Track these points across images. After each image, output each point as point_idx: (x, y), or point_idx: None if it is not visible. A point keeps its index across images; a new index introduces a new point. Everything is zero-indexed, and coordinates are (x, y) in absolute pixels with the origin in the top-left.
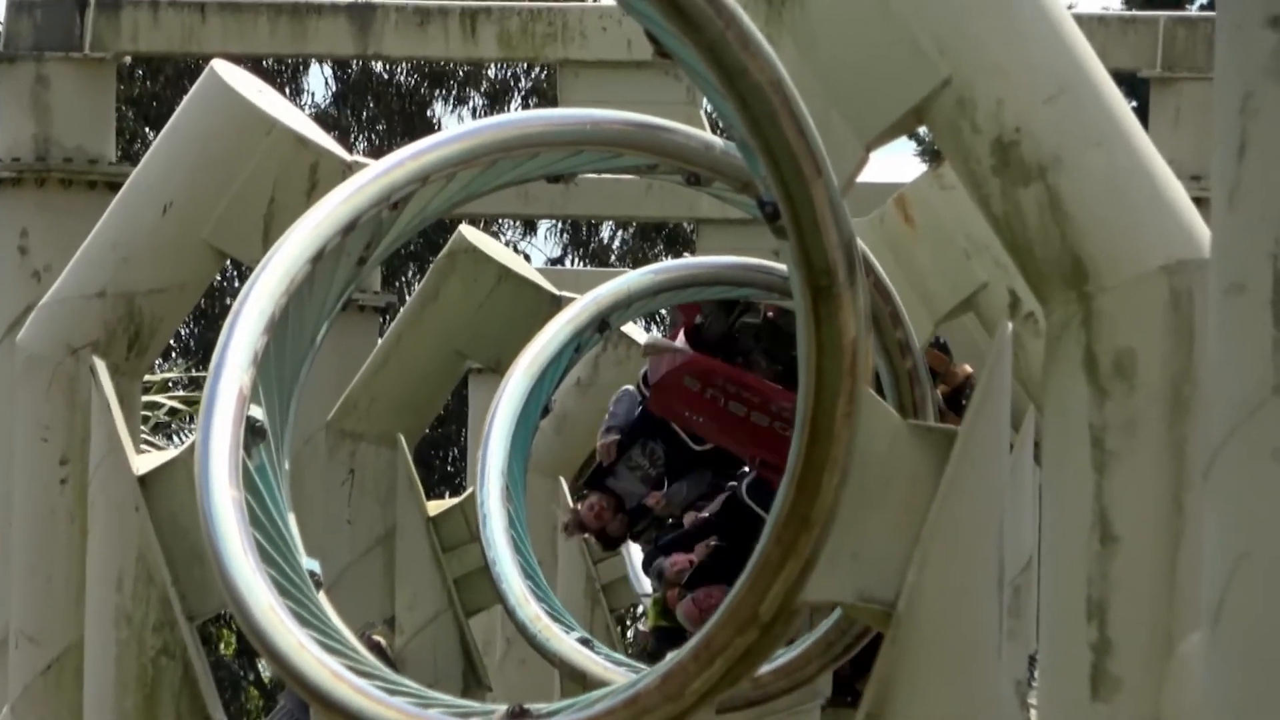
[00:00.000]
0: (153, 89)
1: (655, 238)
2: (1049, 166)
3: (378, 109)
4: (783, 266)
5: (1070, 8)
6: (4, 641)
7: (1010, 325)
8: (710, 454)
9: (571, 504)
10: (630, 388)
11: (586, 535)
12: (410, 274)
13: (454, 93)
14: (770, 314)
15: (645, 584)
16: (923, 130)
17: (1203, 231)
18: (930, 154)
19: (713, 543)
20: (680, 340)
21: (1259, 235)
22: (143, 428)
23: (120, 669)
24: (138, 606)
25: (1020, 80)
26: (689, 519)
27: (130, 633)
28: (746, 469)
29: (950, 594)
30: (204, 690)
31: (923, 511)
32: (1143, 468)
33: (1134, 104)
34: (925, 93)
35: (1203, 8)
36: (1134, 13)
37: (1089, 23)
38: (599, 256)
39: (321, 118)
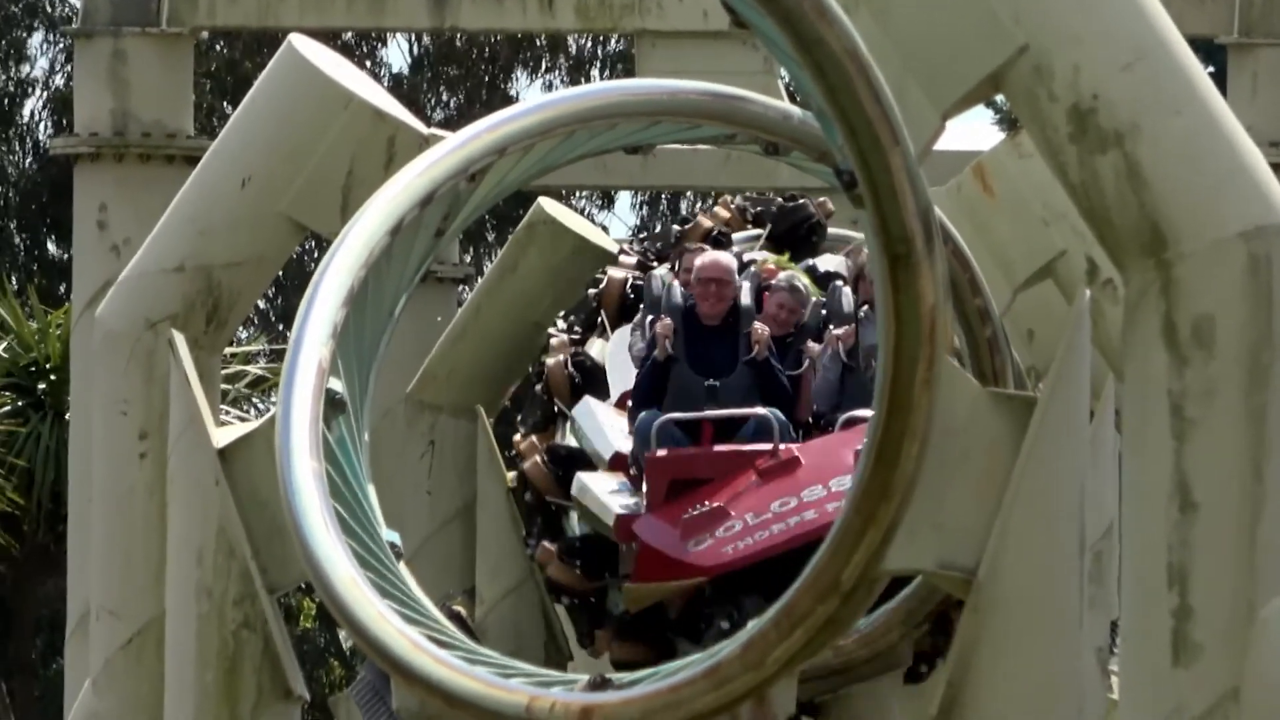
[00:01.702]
0: (230, 63)
1: None
2: (1126, 134)
3: (456, 81)
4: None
5: None
6: (85, 617)
7: (1089, 293)
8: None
9: (518, 444)
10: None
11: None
12: (489, 245)
13: (533, 65)
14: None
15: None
16: (1000, 98)
17: (1279, 196)
18: (1007, 122)
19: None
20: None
21: None
22: (221, 404)
23: (201, 643)
24: (218, 580)
25: (1097, 47)
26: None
27: (211, 606)
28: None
29: (1031, 561)
30: (285, 663)
31: (1003, 479)
32: (1222, 435)
33: (1211, 70)
34: (1001, 60)
35: None
36: None
37: None
38: None
39: (399, 90)
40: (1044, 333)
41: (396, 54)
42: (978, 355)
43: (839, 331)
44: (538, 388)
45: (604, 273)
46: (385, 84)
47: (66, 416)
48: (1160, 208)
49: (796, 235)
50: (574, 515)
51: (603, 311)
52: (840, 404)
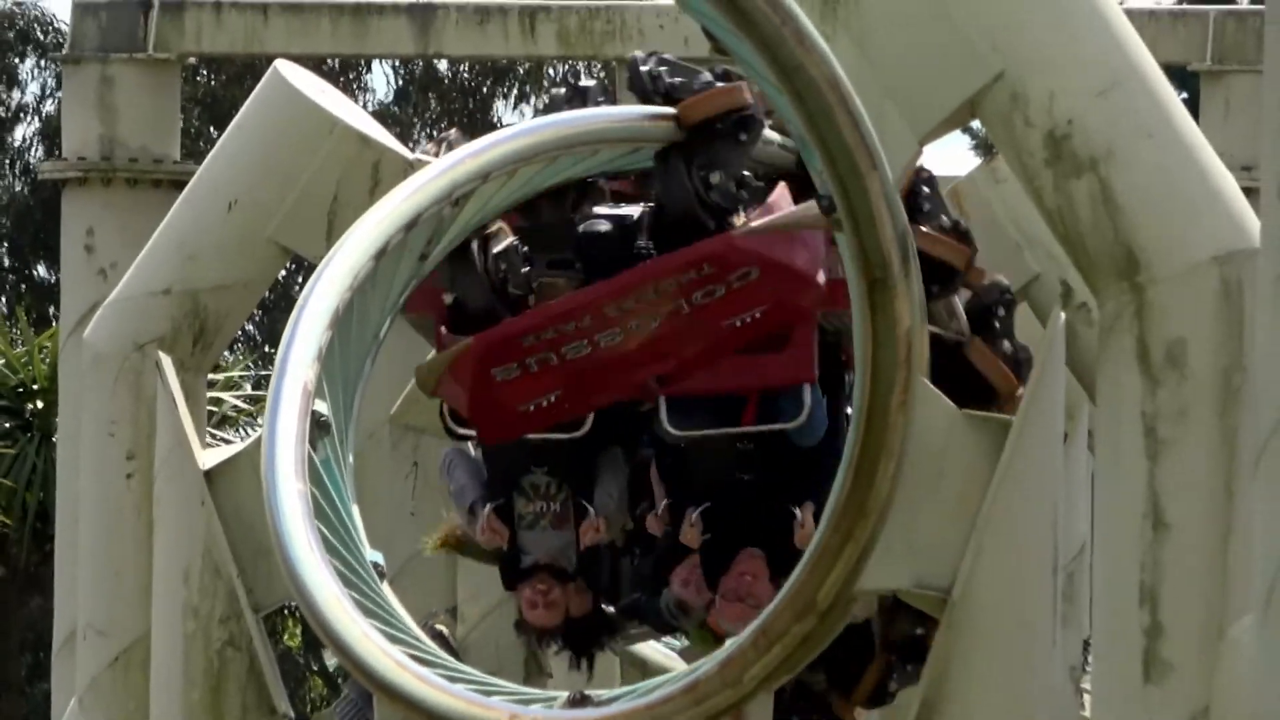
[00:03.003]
0: (216, 89)
1: None
2: (1101, 159)
3: (440, 107)
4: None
5: (1120, 2)
6: (71, 636)
7: (1063, 315)
8: (597, 428)
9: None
10: (449, 449)
11: (549, 642)
12: None
13: (517, 92)
14: (652, 204)
15: None
16: (976, 124)
17: (1253, 222)
18: (984, 147)
19: (695, 522)
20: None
21: None
22: (208, 426)
23: (187, 661)
24: (204, 599)
25: (1072, 74)
26: (651, 524)
27: (197, 625)
28: (648, 407)
29: (1005, 580)
30: (269, 681)
31: (978, 499)
32: (1194, 456)
33: (1184, 97)
34: (978, 87)
35: (1252, 1)
36: (1184, 6)
37: (1139, 17)
38: None
39: (383, 116)
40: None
41: (381, 80)
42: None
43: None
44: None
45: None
46: (370, 110)
47: (54, 438)
48: (1134, 232)
49: (714, 126)
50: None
51: None
52: None
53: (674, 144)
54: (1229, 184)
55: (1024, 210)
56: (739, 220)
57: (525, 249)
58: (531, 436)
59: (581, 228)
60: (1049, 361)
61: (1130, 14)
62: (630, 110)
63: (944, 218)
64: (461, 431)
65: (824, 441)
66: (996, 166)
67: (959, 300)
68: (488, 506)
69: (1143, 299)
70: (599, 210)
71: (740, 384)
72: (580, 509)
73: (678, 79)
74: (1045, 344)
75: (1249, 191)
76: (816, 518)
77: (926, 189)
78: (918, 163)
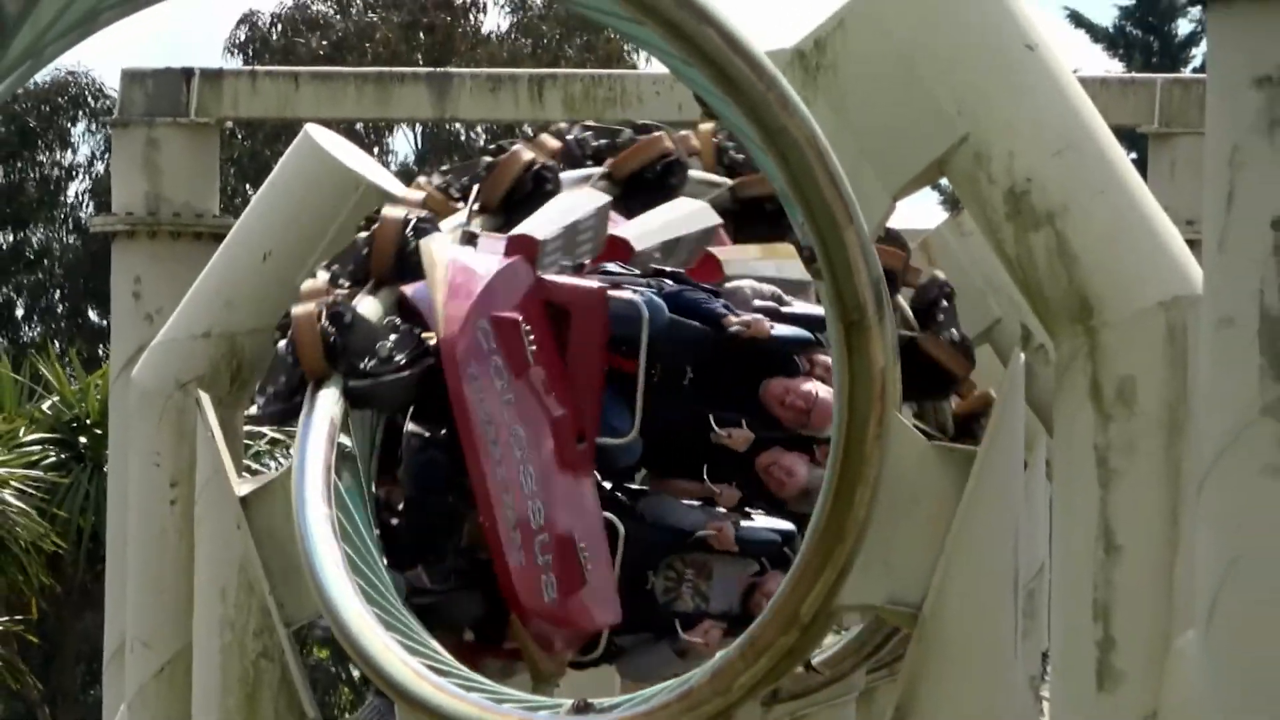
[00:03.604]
0: (252, 149)
1: None
2: (1057, 213)
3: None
4: None
5: (1075, 71)
6: (120, 648)
7: (1022, 356)
8: None
9: None
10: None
11: None
12: None
13: None
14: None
15: None
16: (944, 181)
17: (1196, 271)
18: (951, 203)
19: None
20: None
21: (1246, 274)
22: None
23: (224, 671)
24: (240, 614)
25: (1031, 136)
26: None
27: (233, 638)
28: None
29: (971, 597)
30: (300, 689)
31: (946, 523)
32: (1142, 484)
33: (1134, 157)
34: (946, 148)
35: (1196, 70)
36: (1133, 74)
37: (1092, 84)
38: None
39: (405, 175)
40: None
41: (402, 142)
42: (924, 411)
43: (727, 531)
44: (280, 344)
45: (378, 212)
46: (392, 169)
47: (105, 468)
48: (1087, 280)
49: (644, 176)
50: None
51: (372, 261)
52: (643, 526)
53: (612, 199)
54: (1174, 236)
55: (987, 260)
56: None
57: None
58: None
59: None
60: (1010, 398)
61: (1084, 81)
62: (567, 177)
63: (953, 331)
64: None
65: None
66: (962, 220)
67: (902, 299)
68: None
69: (1095, 341)
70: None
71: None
72: None
73: (602, 141)
74: (1006, 382)
75: (1192, 243)
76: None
77: (945, 303)
78: (936, 273)
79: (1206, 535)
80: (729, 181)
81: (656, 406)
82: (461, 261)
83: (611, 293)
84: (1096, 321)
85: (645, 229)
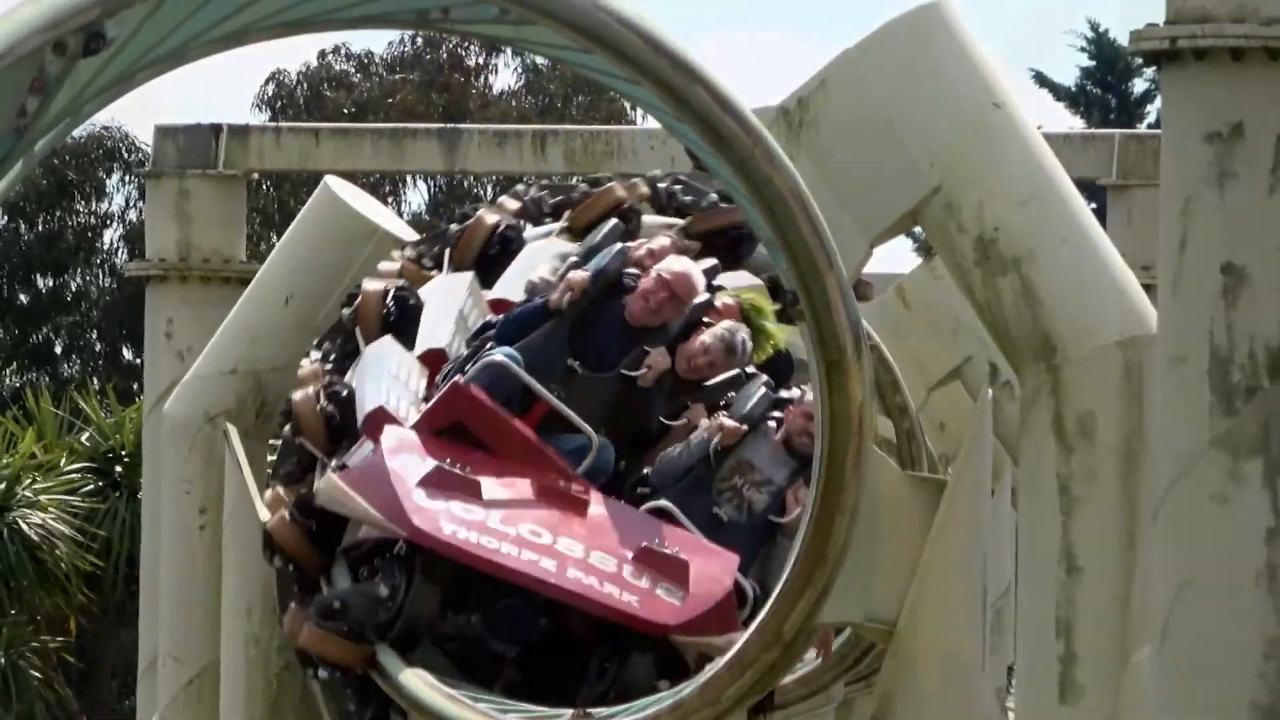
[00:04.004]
0: (276, 199)
1: None
2: (1023, 259)
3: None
4: None
5: (1039, 127)
6: (153, 662)
7: (990, 392)
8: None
9: None
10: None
11: None
12: None
13: None
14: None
15: None
16: (918, 230)
17: (1151, 313)
18: (924, 249)
19: None
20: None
21: (1197, 316)
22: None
23: (249, 683)
24: (264, 631)
25: (998, 188)
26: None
27: (258, 653)
28: None
29: (942, 615)
30: (319, 700)
31: (919, 547)
32: (1101, 510)
33: (1094, 207)
34: (919, 198)
35: (1151, 126)
36: (1093, 130)
37: (1055, 139)
38: None
39: (418, 223)
40: (953, 425)
41: (415, 193)
42: (899, 443)
43: (728, 424)
44: (286, 429)
45: (359, 288)
46: (406, 218)
47: (139, 495)
48: (1050, 321)
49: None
50: (335, 576)
51: (359, 331)
52: (672, 488)
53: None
54: (1131, 281)
55: (957, 302)
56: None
57: None
58: None
59: None
60: (979, 430)
61: (1048, 136)
62: (530, 233)
63: None
64: None
65: None
66: (934, 265)
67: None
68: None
69: (1058, 378)
70: None
71: None
72: None
73: (559, 197)
74: (976, 415)
75: (1148, 287)
76: None
77: None
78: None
79: (1161, 558)
80: (680, 221)
81: (589, 407)
82: (356, 474)
83: (469, 372)
84: (1059, 359)
85: (507, 280)
